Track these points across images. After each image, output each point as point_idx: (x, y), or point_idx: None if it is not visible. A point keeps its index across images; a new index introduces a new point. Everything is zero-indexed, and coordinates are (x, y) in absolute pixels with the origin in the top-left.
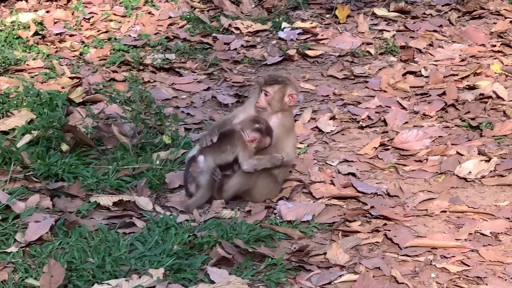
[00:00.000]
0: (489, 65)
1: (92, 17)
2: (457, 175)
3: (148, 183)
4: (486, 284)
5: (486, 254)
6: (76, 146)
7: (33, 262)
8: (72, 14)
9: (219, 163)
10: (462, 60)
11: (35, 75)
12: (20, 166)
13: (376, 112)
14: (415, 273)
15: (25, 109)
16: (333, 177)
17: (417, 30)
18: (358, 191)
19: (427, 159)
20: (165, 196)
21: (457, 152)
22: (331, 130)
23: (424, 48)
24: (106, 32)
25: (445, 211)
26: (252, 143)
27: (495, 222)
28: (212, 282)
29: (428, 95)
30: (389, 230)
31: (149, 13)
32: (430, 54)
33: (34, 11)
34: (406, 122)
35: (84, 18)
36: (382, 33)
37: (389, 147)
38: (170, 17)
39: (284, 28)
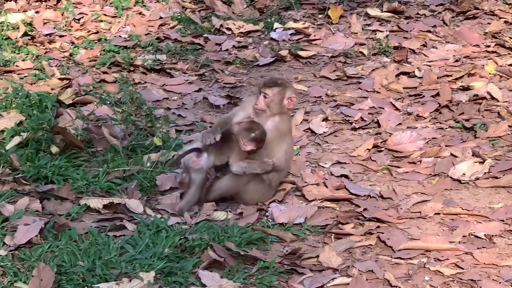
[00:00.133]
0: (483, 65)
1: (82, 17)
2: (451, 177)
3: (138, 185)
4: (481, 287)
5: (480, 257)
6: (66, 148)
7: (22, 265)
8: (62, 14)
9: (217, 164)
10: (456, 61)
11: (24, 76)
12: (9, 168)
13: (369, 113)
14: (408, 276)
15: (14, 111)
16: (326, 179)
17: (410, 31)
18: (351, 193)
19: (420, 161)
20: (156, 199)
21: (451, 154)
22: (324, 132)
23: (417, 48)
24: (96, 32)
25: (439, 213)
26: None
27: (489, 225)
28: (204, 285)
29: (421, 96)
30: (382, 233)
31: (140, 13)
32: (424, 54)
33: (23, 11)
34: (400, 124)
35: (74, 18)
36: (375, 34)
37: (382, 148)
38: (161, 18)
39: (276, 28)
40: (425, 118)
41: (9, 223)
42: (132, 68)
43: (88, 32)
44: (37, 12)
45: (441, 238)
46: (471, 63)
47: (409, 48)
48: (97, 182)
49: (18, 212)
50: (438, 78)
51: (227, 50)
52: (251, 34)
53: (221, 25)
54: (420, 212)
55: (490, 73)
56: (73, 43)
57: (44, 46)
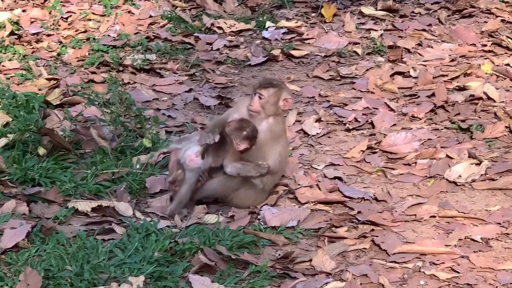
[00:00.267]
0: (479, 65)
1: (70, 16)
2: (447, 179)
3: (128, 188)
4: None
5: (477, 261)
6: (53, 150)
7: (9, 270)
8: (49, 13)
9: (212, 166)
10: (452, 60)
11: (11, 77)
12: None
13: (363, 114)
14: (403, 280)
15: (1, 112)
16: (319, 182)
17: (405, 29)
18: (345, 196)
19: (415, 163)
20: (146, 201)
21: (447, 155)
22: (317, 133)
23: (412, 48)
24: (85, 31)
25: (434, 216)
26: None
27: (485, 228)
28: None
29: (416, 96)
30: (377, 236)
31: (129, 12)
32: (419, 54)
33: (10, 10)
34: (394, 124)
35: (61, 17)
36: (370, 33)
37: (377, 150)
38: (150, 16)
39: (268, 27)
40: (420, 119)
41: None
42: (121, 68)
43: (76, 31)
44: (24, 11)
45: (436, 242)
46: (467, 62)
47: (404, 48)
48: (85, 185)
49: (4, 216)
50: (433, 78)
51: (218, 49)
52: (242, 33)
53: (212, 24)
54: (415, 215)
55: (486, 73)
56: (60, 42)
57: (31, 45)
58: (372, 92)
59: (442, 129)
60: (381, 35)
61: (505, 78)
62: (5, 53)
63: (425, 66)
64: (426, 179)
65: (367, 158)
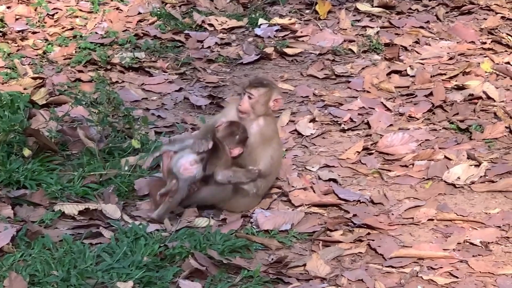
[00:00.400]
0: (479, 63)
1: (56, 13)
2: (445, 181)
3: (116, 190)
4: None
5: (476, 265)
6: (39, 151)
7: None
8: (35, 10)
9: (205, 174)
10: (451, 59)
11: None
12: None
13: (359, 114)
14: (400, 286)
15: None
16: (313, 184)
17: (402, 27)
18: (340, 198)
19: (413, 164)
20: (134, 204)
21: (445, 157)
22: (311, 134)
23: (410, 45)
24: (71, 29)
25: (432, 219)
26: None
27: (485, 231)
28: None
29: (414, 95)
30: (373, 240)
31: (117, 8)
32: (416, 52)
33: None
34: (391, 125)
35: (47, 14)
36: (365, 30)
37: (373, 151)
38: (139, 13)
39: (261, 24)
40: (418, 119)
41: None
42: (109, 67)
43: (62, 28)
44: (8, 7)
45: (434, 246)
46: (466, 61)
47: (401, 45)
48: (72, 187)
49: None
50: (431, 76)
51: (209, 47)
52: (234, 30)
53: (203, 21)
54: (412, 218)
55: (486, 72)
56: (46, 40)
57: (16, 43)
58: (368, 92)
59: (440, 130)
60: (377, 32)
61: (505, 77)
62: None
63: (423, 64)
64: (424, 181)
65: (363, 159)
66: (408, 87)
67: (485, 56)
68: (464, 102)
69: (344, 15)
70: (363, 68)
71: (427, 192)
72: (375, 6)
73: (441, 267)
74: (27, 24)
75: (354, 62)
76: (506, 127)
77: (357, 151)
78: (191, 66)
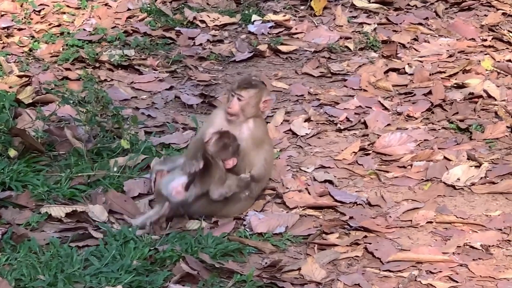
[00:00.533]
0: (479, 61)
1: (43, 9)
2: (445, 182)
3: (104, 191)
4: None
5: (476, 269)
6: (25, 151)
7: None
8: (21, 6)
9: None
10: (450, 56)
11: None
12: None
13: (355, 113)
14: None
15: None
16: (308, 185)
17: (400, 23)
18: (336, 200)
19: (411, 165)
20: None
21: (445, 157)
22: (306, 133)
23: (408, 42)
24: (59, 25)
25: (431, 222)
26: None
27: (486, 234)
28: None
29: (412, 94)
30: (370, 243)
31: (106, 4)
32: (415, 49)
33: None
34: (389, 124)
35: (34, 10)
36: (362, 27)
37: (370, 151)
38: (129, 9)
39: (254, 21)
40: (416, 119)
41: None
42: (97, 64)
43: (49, 25)
44: None
45: (433, 249)
46: (466, 58)
47: (399, 42)
48: (59, 189)
49: None
50: (430, 75)
51: (201, 44)
52: (227, 27)
53: (195, 17)
54: (411, 220)
55: (486, 70)
56: (33, 37)
57: (1, 40)
58: (365, 90)
59: (439, 129)
60: (375, 29)
61: (506, 75)
62: None
63: (422, 62)
64: (423, 182)
65: (360, 160)
66: (406, 85)
67: (485, 54)
68: (464, 101)
69: (340, 11)
70: (359, 66)
71: (426, 194)
72: (372, 2)
73: (440, 271)
74: (12, 20)
75: (351, 59)
76: (507, 127)
77: (354, 152)
78: (182, 64)
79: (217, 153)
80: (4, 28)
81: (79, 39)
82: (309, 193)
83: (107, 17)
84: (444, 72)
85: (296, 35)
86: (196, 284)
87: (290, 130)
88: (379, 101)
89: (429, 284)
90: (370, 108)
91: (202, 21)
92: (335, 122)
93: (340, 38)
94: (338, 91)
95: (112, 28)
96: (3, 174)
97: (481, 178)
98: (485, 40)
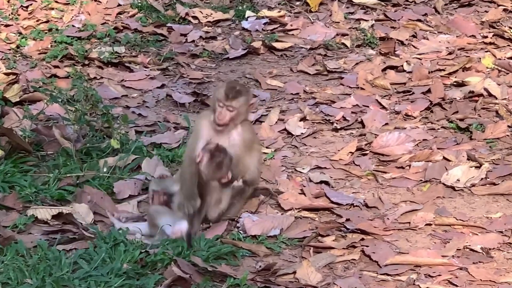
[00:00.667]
0: (479, 58)
1: (31, 4)
2: (444, 183)
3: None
4: None
5: (477, 273)
6: (12, 151)
7: None
8: (8, 1)
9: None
10: (450, 53)
11: None
12: None
13: (352, 112)
14: None
15: None
16: (304, 186)
17: (398, 20)
18: (332, 202)
19: (409, 166)
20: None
21: (444, 158)
22: (302, 133)
23: (406, 39)
24: (47, 22)
25: (430, 224)
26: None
27: (486, 237)
28: None
29: (411, 93)
30: (367, 246)
31: (95, 0)
32: (414, 46)
33: None
34: (386, 124)
35: (21, 6)
36: (359, 23)
37: (367, 152)
38: (119, 5)
39: (248, 17)
40: (415, 118)
41: None
42: (86, 62)
43: (37, 21)
44: None
45: (432, 252)
46: (466, 56)
47: (397, 39)
48: (47, 190)
49: None
50: (429, 72)
51: (193, 41)
52: (220, 23)
53: (187, 14)
54: (409, 222)
55: (487, 67)
56: (20, 33)
57: None
58: (362, 88)
59: (438, 129)
60: (372, 25)
61: (507, 73)
62: None
63: (420, 59)
64: (421, 183)
65: (357, 160)
66: (404, 83)
67: (486, 51)
68: (464, 100)
69: (337, 7)
70: (356, 64)
71: (425, 195)
72: None
73: (439, 275)
74: None
75: (347, 57)
76: (508, 126)
77: (351, 152)
78: (174, 61)
79: (213, 176)
80: None
81: (68, 36)
82: (304, 194)
83: (96, 13)
84: (443, 70)
85: (291, 32)
86: None
87: (285, 129)
88: (377, 100)
89: None
90: (367, 107)
91: (195, 17)
92: (331, 121)
93: (337, 34)
94: (334, 89)
95: (102, 24)
96: None
97: (482, 179)
98: (486, 37)
